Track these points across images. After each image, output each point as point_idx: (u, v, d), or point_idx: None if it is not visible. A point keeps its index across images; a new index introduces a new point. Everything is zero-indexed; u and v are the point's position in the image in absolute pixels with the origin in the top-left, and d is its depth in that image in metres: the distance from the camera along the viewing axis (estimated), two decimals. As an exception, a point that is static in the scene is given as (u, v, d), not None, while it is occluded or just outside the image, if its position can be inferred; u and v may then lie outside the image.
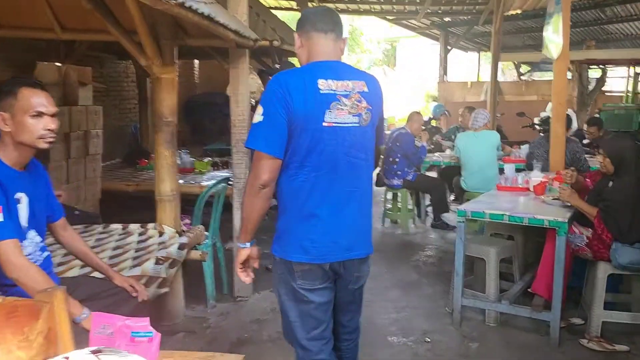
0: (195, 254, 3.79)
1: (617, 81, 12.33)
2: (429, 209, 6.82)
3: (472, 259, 3.84)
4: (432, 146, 9.59)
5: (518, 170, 6.21)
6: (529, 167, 5.79)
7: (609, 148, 3.35)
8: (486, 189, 5.86)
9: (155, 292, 3.10)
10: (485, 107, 8.23)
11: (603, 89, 9.94)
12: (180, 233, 3.67)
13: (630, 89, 8.90)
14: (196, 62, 10.67)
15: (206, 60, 8.84)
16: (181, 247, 3.45)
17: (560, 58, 5.13)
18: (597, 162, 3.58)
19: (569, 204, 3.46)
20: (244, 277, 2.07)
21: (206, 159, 6.35)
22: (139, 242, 3.53)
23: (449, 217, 6.17)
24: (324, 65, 1.95)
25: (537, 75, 15.17)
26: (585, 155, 5.58)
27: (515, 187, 4.25)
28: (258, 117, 1.87)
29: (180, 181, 5.41)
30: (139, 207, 5.11)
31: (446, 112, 9.79)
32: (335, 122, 1.91)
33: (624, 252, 3.14)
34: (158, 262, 3.14)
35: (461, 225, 3.53)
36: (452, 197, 7.45)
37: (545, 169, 5.29)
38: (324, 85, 1.88)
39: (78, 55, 6.24)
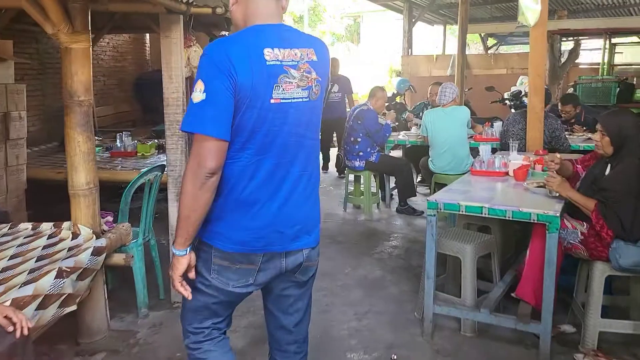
0: (118, 258, 3.18)
1: (588, 54, 12.01)
2: (395, 192, 6.31)
3: (444, 254, 3.32)
4: (397, 123, 9.10)
5: (491, 150, 5.76)
6: (503, 147, 5.31)
7: (608, 125, 2.81)
8: (457, 171, 5.39)
9: (56, 313, 2.49)
10: (453, 82, 7.71)
11: (576, 61, 9.56)
12: (99, 234, 3.03)
13: (606, 60, 8.52)
14: (147, 37, 9.98)
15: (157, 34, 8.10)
16: (96, 252, 2.82)
17: (537, 25, 4.62)
18: (592, 141, 3.05)
19: (557, 194, 2.95)
20: (185, 293, 1.77)
21: (151, 142, 5.66)
22: (45, 247, 2.88)
23: (416, 201, 5.67)
24: (268, 30, 1.68)
25: (504, 49, 14.77)
26: (565, 133, 5.10)
27: (491, 172, 3.73)
28: (199, 94, 1.59)
29: (118, 167, 4.89)
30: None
31: (411, 87, 9.24)
32: (284, 98, 1.68)
33: (626, 251, 2.63)
34: (60, 274, 2.51)
35: (432, 219, 2.99)
36: (418, 179, 6.95)
37: (521, 148, 4.81)
38: (271, 55, 1.64)
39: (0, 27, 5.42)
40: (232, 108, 1.60)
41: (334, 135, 8.50)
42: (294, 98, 1.68)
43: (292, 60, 1.67)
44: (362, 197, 6.05)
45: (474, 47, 17.85)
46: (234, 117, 1.62)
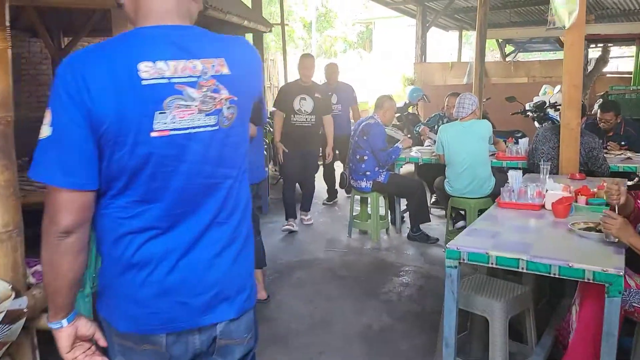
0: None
1: (612, 62, 11.24)
2: (406, 214, 5.64)
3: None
4: (409, 136, 8.43)
5: (513, 168, 5.07)
6: (530, 167, 4.62)
7: None
8: (477, 193, 4.70)
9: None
10: (471, 92, 7.04)
11: (603, 70, 8.82)
12: (21, 290, 2.39)
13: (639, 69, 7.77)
14: None
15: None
16: (10, 318, 2.18)
17: (573, 27, 3.94)
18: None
19: (616, 240, 2.27)
20: None
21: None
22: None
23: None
24: (153, 35, 1.26)
25: (522, 57, 14.05)
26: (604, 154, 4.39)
27: (524, 204, 3.05)
28: (45, 128, 1.20)
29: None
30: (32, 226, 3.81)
31: (424, 97, 8.59)
32: (176, 129, 1.25)
33: None
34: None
35: (453, 273, 2.32)
36: (433, 199, 6.26)
37: (552, 170, 4.12)
38: (150, 71, 1.21)
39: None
40: (90, 147, 1.21)
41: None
42: (193, 127, 1.26)
43: (190, 76, 1.24)
44: (369, 221, 5.38)
45: (491, 54, 17.10)
46: (102, 158, 1.23)
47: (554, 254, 2.23)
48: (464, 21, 12.09)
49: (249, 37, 7.03)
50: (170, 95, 1.22)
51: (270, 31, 6.47)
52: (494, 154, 5.13)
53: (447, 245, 2.39)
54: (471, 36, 18.20)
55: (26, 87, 6.62)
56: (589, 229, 2.50)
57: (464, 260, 2.32)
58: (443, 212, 5.84)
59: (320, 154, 6.53)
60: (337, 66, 6.68)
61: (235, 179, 1.38)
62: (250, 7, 6.33)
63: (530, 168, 4.59)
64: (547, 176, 3.71)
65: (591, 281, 2.09)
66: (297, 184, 5.76)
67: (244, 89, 1.35)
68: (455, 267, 2.33)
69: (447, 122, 6.07)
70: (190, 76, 1.24)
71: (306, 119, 5.40)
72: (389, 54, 20.64)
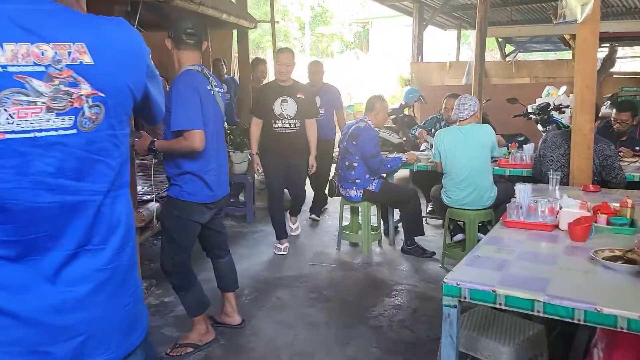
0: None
1: (618, 62, 10.83)
2: (400, 224, 5.22)
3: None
4: (404, 139, 8.00)
5: (517, 177, 4.65)
6: (537, 176, 4.20)
7: None
8: (477, 205, 4.27)
9: None
10: (470, 93, 6.63)
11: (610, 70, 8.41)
12: None
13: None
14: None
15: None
16: None
17: (587, 21, 3.52)
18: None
19: (652, 275, 1.84)
20: None
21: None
22: None
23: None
24: None
25: (522, 57, 13.64)
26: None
27: (534, 224, 2.62)
28: None
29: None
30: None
31: (421, 98, 8.17)
32: (12, 132, 1.00)
33: None
34: None
35: (452, 313, 1.89)
36: (429, 208, 5.84)
37: (562, 180, 3.69)
38: None
39: None
40: None
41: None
42: (40, 130, 1.03)
43: (35, 64, 1.01)
44: (359, 232, 4.95)
45: (490, 54, 16.67)
46: None
47: (576, 293, 1.81)
48: (462, 19, 11.67)
49: (232, 33, 6.60)
50: (6, 88, 0.98)
51: (255, 27, 6.01)
52: (497, 161, 4.71)
53: (445, 280, 1.95)
54: (470, 35, 17.80)
55: None
56: (615, 258, 2.07)
57: (465, 298, 1.89)
58: (440, 222, 5.42)
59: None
60: (322, 65, 5.96)
61: (107, 195, 1.14)
62: (233, 1, 5.87)
63: (537, 177, 4.17)
64: (557, 187, 3.29)
65: (624, 329, 1.67)
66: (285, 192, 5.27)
67: (115, 83, 1.10)
68: (455, 306, 1.90)
69: (445, 125, 5.64)
70: (36, 64, 1.00)
71: (290, 124, 4.64)
72: (386, 54, 20.23)
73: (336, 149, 5.60)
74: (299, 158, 4.82)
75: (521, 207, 2.71)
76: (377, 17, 22.86)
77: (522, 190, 2.78)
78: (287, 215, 5.35)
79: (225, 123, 3.61)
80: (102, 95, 1.09)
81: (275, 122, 4.63)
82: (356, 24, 24.99)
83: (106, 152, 1.14)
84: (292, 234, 5.32)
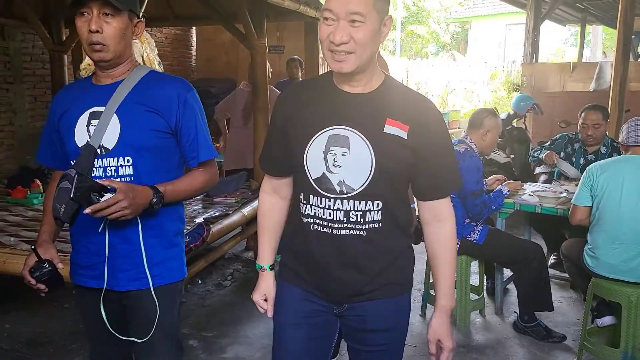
0: None
1: None
2: (511, 285, 3.75)
3: None
4: (512, 156, 6.44)
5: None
6: None
7: None
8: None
9: None
10: (603, 101, 4.97)
11: None
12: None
13: None
14: (194, 43, 8.29)
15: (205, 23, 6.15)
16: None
17: None
18: None
19: None
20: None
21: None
22: None
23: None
24: None
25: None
26: None
27: None
28: None
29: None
30: None
31: (535, 107, 6.53)
32: None
33: None
34: None
35: None
36: (551, 259, 4.29)
37: None
38: None
39: None
40: None
41: None
42: None
43: None
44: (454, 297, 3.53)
45: (612, 56, 14.42)
46: None
47: None
48: (589, 11, 9.74)
49: (300, 25, 5.39)
50: None
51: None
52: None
53: None
54: (594, 32, 15.53)
55: (27, 91, 5.37)
56: None
57: None
58: (569, 280, 3.89)
59: None
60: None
61: None
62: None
63: None
64: None
65: None
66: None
67: None
68: None
69: (581, 147, 4.09)
70: None
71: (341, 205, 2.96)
72: (486, 56, 18.35)
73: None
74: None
75: None
76: (478, 15, 21.07)
77: None
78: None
79: None
80: None
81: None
82: (454, 24, 23.22)
83: None
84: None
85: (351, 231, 1.50)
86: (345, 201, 1.48)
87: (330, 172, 1.47)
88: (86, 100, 1.66)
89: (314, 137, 1.48)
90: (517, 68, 12.09)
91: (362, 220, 1.49)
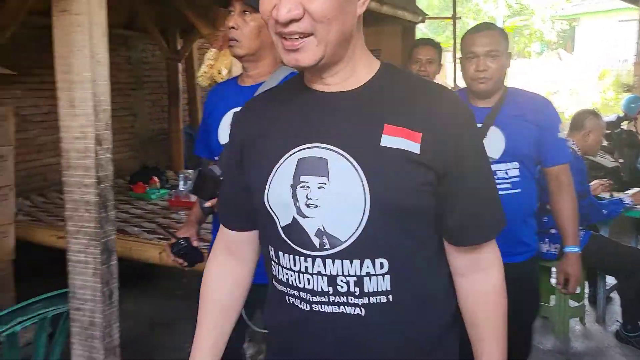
0: None
1: None
2: (614, 294, 3.63)
3: None
4: (621, 161, 6.11)
5: None
6: None
7: None
8: None
9: None
10: None
11: None
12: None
13: None
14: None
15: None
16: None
17: None
18: None
19: None
20: None
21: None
22: None
23: None
24: None
25: None
26: None
27: None
28: None
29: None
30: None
31: (647, 108, 6.22)
32: None
33: None
34: None
35: None
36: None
37: None
38: None
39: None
40: None
41: None
42: None
43: None
44: (551, 304, 3.47)
45: None
46: None
47: None
48: None
49: (396, 31, 5.48)
50: None
51: (423, 21, 4.89)
52: None
53: None
54: None
55: (147, 96, 5.88)
56: None
57: None
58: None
59: None
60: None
61: None
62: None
63: None
64: None
65: None
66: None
67: None
68: None
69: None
70: None
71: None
72: (595, 54, 17.36)
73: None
74: None
75: None
76: (588, 12, 19.94)
77: None
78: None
79: None
80: None
81: None
82: (560, 21, 22.12)
83: None
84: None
85: (341, 308, 0.95)
86: (328, 261, 0.94)
87: (303, 215, 0.95)
88: (229, 100, 1.70)
89: (278, 164, 0.98)
90: (629, 67, 11.38)
91: (357, 290, 0.95)
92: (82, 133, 1.69)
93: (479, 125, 1.92)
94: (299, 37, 0.89)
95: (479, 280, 1.03)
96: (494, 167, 1.90)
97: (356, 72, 0.98)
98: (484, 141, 1.76)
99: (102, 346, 1.76)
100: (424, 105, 0.96)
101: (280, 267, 1.00)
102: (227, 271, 1.14)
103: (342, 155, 0.93)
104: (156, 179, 4.47)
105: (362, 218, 0.91)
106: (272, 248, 1.02)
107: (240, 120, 1.11)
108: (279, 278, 1.01)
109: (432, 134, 0.93)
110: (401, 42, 5.47)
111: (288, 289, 1.00)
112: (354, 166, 0.92)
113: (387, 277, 0.94)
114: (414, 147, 0.92)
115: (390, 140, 0.92)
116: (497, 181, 1.82)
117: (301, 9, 0.87)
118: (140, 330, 3.43)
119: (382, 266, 0.93)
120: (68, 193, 1.76)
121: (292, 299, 1.00)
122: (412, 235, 0.96)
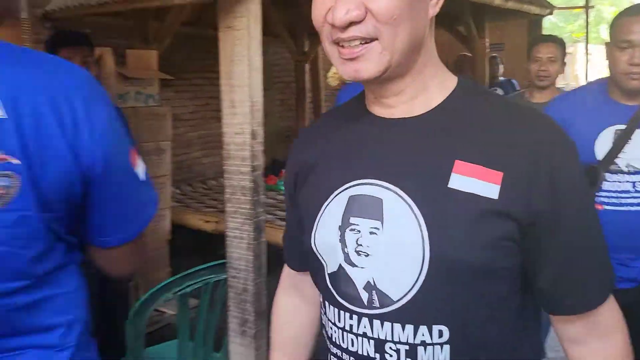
0: None
1: None
2: None
3: None
4: None
5: None
6: None
7: None
8: None
9: None
10: None
11: None
12: None
13: None
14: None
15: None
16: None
17: None
18: None
19: None
20: None
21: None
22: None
23: None
24: None
25: None
26: None
27: None
28: None
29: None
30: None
31: None
32: None
33: None
34: None
35: None
36: None
37: None
38: None
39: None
40: None
41: None
42: None
43: None
44: None
45: None
46: None
47: None
48: None
49: (523, 23, 5.41)
50: None
51: (551, 13, 4.79)
52: None
53: None
54: None
55: (274, 94, 6.35)
56: None
57: None
58: None
59: None
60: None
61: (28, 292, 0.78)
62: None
63: None
64: None
65: None
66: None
67: (39, 146, 0.79)
68: None
69: None
70: None
71: None
72: None
73: None
74: None
75: None
76: None
77: None
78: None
79: None
80: (17, 162, 0.79)
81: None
82: None
83: (20, 238, 0.82)
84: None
85: None
86: (376, 322, 0.79)
87: (352, 264, 0.81)
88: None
89: (327, 202, 0.85)
90: None
91: None
92: (240, 129, 2.03)
93: (622, 126, 1.70)
94: (360, 43, 0.74)
95: (600, 352, 0.82)
96: (635, 178, 1.69)
97: (426, 90, 0.81)
98: (626, 146, 1.67)
99: (252, 309, 2.08)
100: (507, 135, 0.76)
101: (326, 318, 0.87)
102: (295, 309, 1.07)
103: (399, 196, 0.77)
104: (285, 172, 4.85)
105: (418, 275, 0.74)
106: (321, 296, 0.90)
107: (295, 148, 0.98)
108: (326, 330, 0.88)
109: (517, 173, 0.74)
110: (527, 36, 5.39)
111: (332, 346, 0.86)
112: (413, 211, 0.76)
113: (447, 347, 0.76)
114: (492, 191, 0.73)
115: (461, 180, 0.75)
116: (635, 194, 1.68)
117: (363, 9, 0.72)
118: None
119: (441, 334, 0.75)
120: (227, 179, 2.11)
121: (334, 359, 0.86)
122: (484, 300, 0.76)
